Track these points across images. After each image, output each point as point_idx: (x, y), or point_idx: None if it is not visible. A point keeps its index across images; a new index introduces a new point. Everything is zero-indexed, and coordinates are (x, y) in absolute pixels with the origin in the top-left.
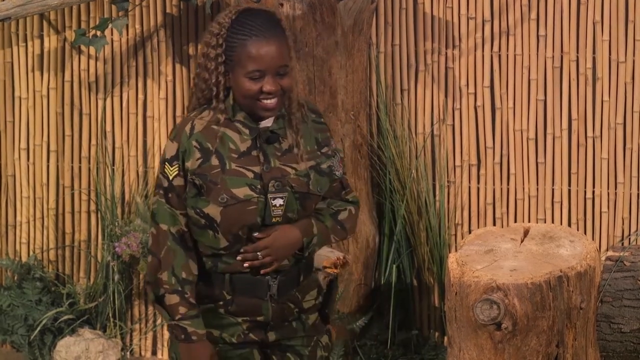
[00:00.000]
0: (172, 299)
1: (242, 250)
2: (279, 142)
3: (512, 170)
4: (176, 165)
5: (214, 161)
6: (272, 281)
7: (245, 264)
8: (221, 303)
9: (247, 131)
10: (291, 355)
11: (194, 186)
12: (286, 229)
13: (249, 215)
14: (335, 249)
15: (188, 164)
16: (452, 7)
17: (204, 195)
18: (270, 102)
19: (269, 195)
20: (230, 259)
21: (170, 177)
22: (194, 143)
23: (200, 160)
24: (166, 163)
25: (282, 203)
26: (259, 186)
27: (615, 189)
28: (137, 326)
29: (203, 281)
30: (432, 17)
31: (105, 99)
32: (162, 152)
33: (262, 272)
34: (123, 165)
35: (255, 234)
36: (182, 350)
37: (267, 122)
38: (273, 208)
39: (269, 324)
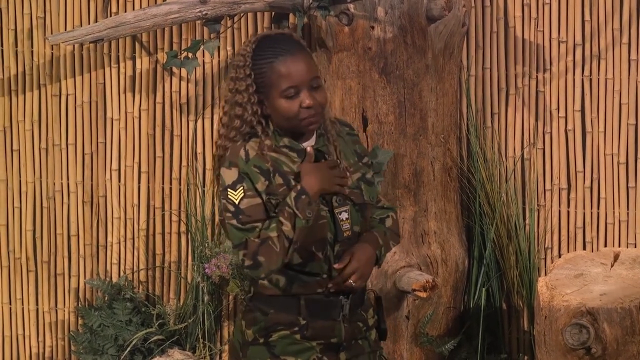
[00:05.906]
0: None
1: (329, 285)
2: (324, 159)
3: (602, 195)
4: (240, 188)
5: (278, 180)
6: (345, 301)
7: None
8: (296, 329)
9: (294, 154)
10: None
11: (272, 206)
12: (361, 247)
13: (321, 230)
14: (425, 272)
15: (257, 186)
16: (543, 31)
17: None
18: (311, 117)
19: (335, 210)
20: (306, 277)
21: (236, 201)
22: (253, 168)
23: (267, 182)
24: (228, 189)
25: (347, 216)
26: (324, 202)
27: None
28: (226, 347)
29: (275, 308)
30: (523, 40)
31: (196, 121)
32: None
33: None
34: (214, 187)
35: (335, 265)
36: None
37: (310, 142)
38: (342, 222)
39: (341, 345)
